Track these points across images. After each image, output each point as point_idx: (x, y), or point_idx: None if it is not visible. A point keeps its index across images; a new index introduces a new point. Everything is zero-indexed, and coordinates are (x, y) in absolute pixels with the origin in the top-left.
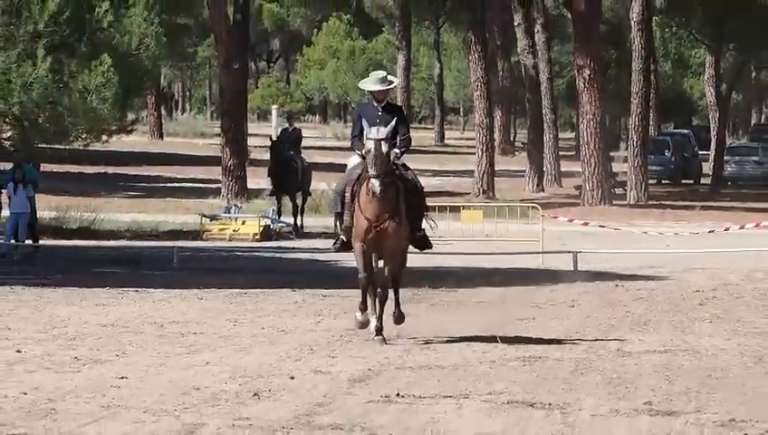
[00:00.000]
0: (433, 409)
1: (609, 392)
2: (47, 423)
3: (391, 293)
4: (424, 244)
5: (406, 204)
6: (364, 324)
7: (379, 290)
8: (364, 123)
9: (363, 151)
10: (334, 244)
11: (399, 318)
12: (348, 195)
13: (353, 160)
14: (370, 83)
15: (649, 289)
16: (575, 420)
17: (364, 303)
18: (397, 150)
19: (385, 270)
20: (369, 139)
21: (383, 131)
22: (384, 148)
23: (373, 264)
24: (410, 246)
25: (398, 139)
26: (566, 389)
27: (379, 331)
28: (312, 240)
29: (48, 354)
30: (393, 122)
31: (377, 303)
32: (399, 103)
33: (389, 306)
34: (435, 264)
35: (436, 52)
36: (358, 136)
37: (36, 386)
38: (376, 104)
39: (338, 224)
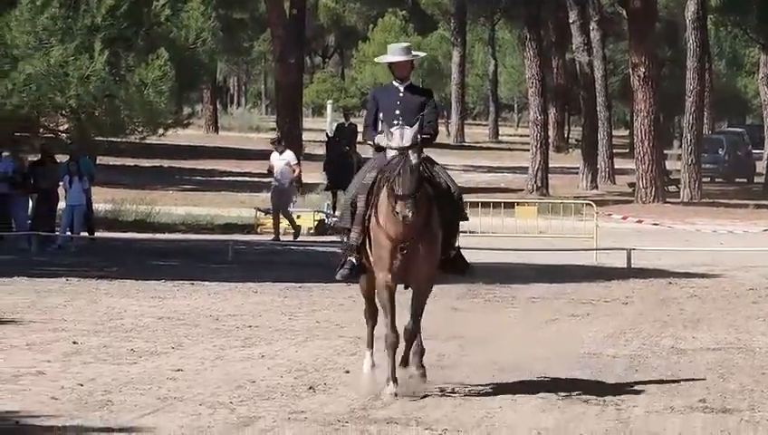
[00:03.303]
0: (488, 404)
1: (663, 389)
2: (104, 414)
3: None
4: (457, 266)
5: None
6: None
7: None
8: (381, 116)
9: (384, 142)
10: (341, 269)
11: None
12: (360, 206)
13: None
14: (390, 55)
15: (703, 287)
16: (629, 417)
17: (395, 371)
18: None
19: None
20: (392, 148)
21: (408, 136)
22: (413, 159)
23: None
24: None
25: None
26: (620, 385)
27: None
28: None
29: (104, 346)
30: (420, 117)
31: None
32: (452, 98)
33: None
34: (489, 259)
35: (490, 48)
36: (371, 125)
37: (92, 377)
38: (397, 84)
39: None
